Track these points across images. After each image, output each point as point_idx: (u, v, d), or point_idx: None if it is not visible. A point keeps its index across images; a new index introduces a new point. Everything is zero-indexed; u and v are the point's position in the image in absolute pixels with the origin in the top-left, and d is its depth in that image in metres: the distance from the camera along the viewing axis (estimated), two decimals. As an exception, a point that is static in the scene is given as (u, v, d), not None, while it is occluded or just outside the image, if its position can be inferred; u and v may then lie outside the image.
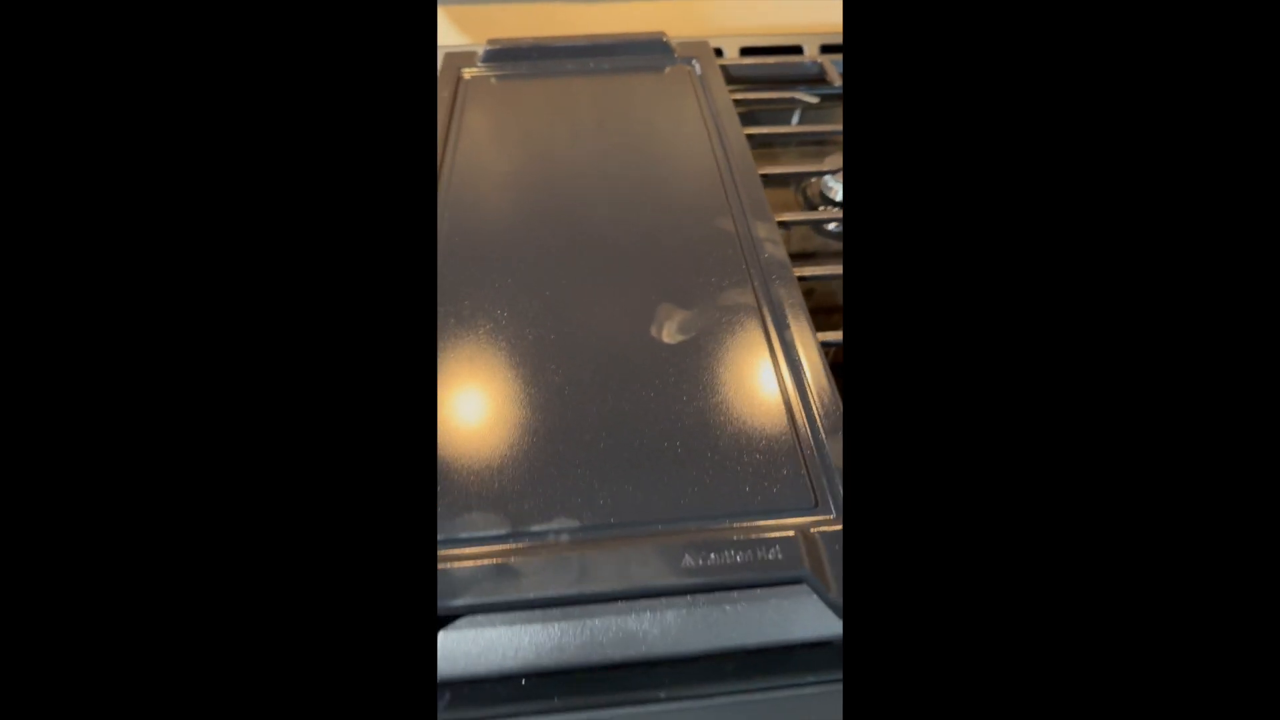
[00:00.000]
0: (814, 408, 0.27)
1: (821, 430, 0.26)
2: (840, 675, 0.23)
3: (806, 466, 0.25)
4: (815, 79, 0.54)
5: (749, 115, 0.52)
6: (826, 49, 0.56)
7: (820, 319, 0.37)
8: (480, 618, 0.23)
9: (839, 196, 0.44)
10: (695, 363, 0.28)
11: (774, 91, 0.52)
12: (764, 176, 0.40)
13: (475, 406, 0.27)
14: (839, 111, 0.52)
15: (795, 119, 0.52)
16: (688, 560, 0.22)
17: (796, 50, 0.56)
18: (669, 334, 0.30)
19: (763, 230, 0.34)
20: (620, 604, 0.23)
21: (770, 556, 0.22)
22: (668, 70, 0.48)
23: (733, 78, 0.53)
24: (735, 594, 0.23)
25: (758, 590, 0.23)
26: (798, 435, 0.26)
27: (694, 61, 0.48)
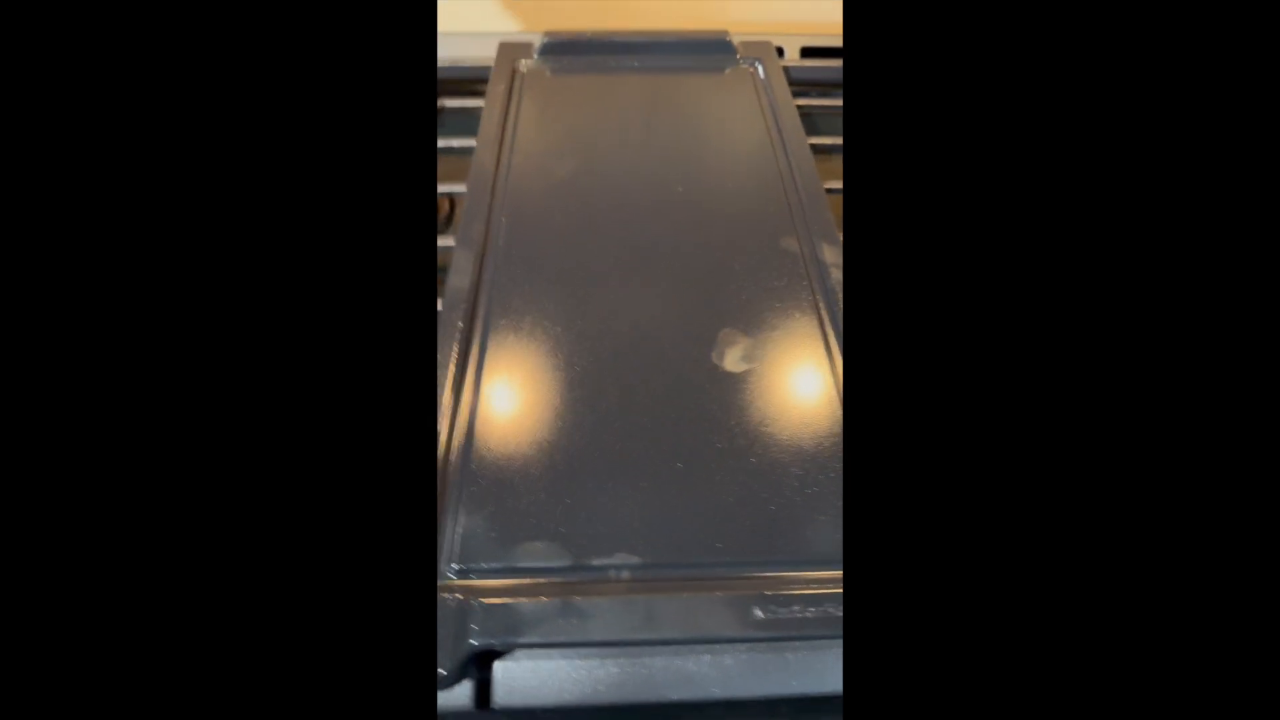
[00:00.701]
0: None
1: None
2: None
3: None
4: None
5: (807, 121, 0.51)
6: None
7: None
8: (538, 649, 0.23)
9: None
10: (757, 394, 0.28)
11: (835, 99, 0.50)
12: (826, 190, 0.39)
13: (531, 426, 0.27)
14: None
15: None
16: (757, 613, 0.22)
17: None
18: (731, 362, 0.29)
19: (830, 254, 0.33)
20: (680, 645, 0.23)
21: (833, 610, 0.21)
22: (728, 71, 0.46)
23: (793, 80, 0.51)
24: (797, 643, 0.23)
25: (819, 639, 0.23)
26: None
27: (757, 63, 0.46)
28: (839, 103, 0.50)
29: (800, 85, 0.52)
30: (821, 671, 0.23)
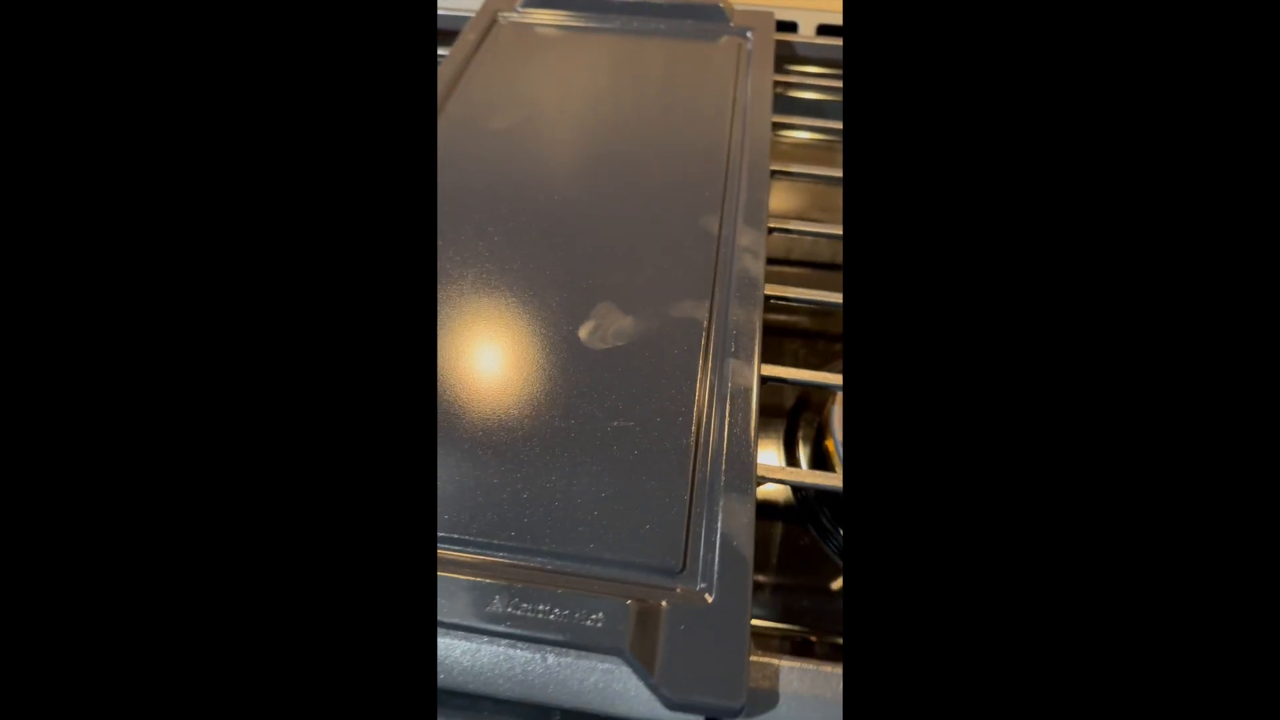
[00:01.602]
0: (722, 458, 0.23)
1: (721, 486, 0.22)
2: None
3: (689, 525, 0.22)
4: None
5: (815, 105, 0.47)
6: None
7: (799, 343, 0.33)
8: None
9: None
10: (614, 377, 0.25)
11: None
12: (822, 180, 0.36)
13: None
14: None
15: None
16: (496, 605, 0.19)
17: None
18: (598, 339, 0.27)
19: (747, 238, 0.30)
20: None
21: (589, 622, 0.19)
22: (722, 40, 0.43)
23: (804, 57, 0.47)
24: (560, 650, 0.20)
25: (552, 644, 0.21)
26: (693, 487, 0.23)
27: (749, 33, 0.43)
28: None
29: (811, 63, 0.48)
30: (581, 688, 0.20)
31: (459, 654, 0.21)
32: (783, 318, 0.34)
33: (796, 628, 0.25)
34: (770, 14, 0.44)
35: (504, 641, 0.20)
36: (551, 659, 0.20)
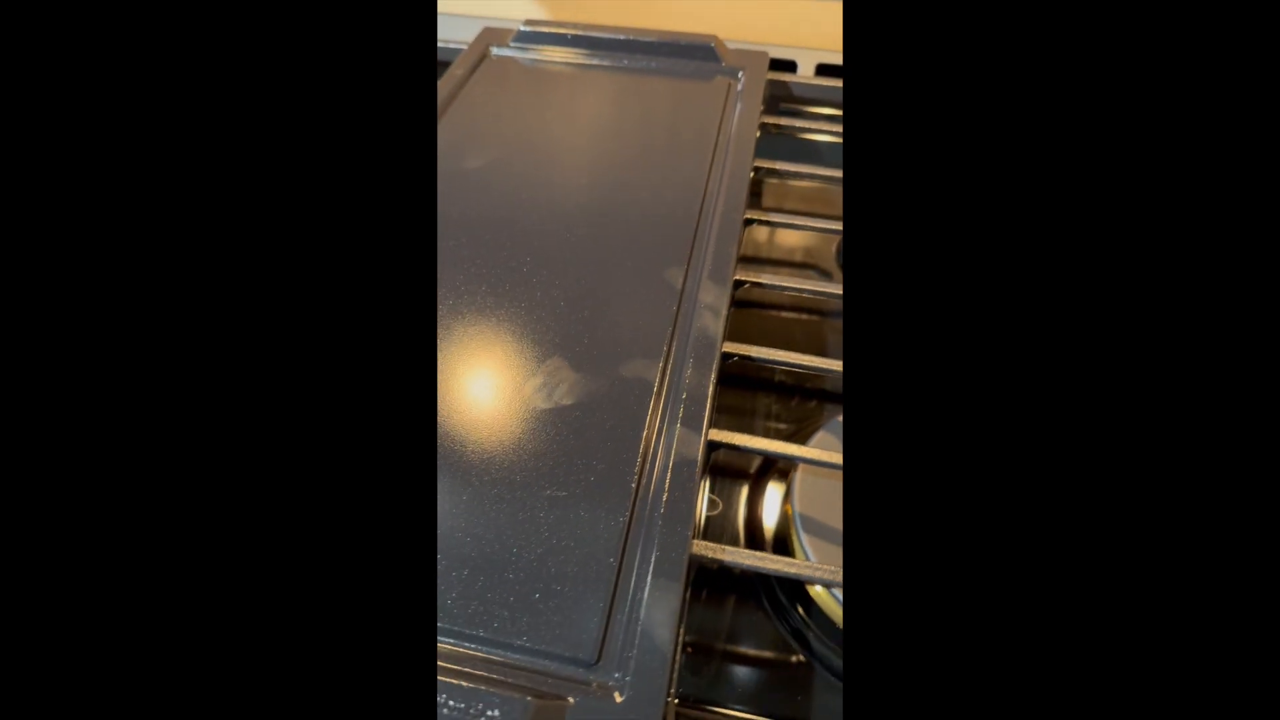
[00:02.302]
0: (655, 539, 0.22)
1: (650, 570, 0.21)
2: None
3: (611, 613, 0.20)
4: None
5: (809, 148, 0.45)
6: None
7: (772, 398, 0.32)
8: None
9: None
10: (556, 439, 0.24)
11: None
12: (805, 228, 0.34)
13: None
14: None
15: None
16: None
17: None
18: (544, 396, 0.26)
19: (710, 295, 0.29)
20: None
21: (487, 716, 0.18)
22: (714, 80, 0.42)
23: (800, 98, 0.46)
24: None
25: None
26: (620, 570, 0.21)
27: (740, 73, 0.42)
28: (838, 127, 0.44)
29: (806, 103, 0.46)
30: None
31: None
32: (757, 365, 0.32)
33: (736, 711, 0.24)
34: (764, 53, 0.43)
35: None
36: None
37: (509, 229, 0.32)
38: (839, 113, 0.45)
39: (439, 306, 0.28)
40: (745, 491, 0.29)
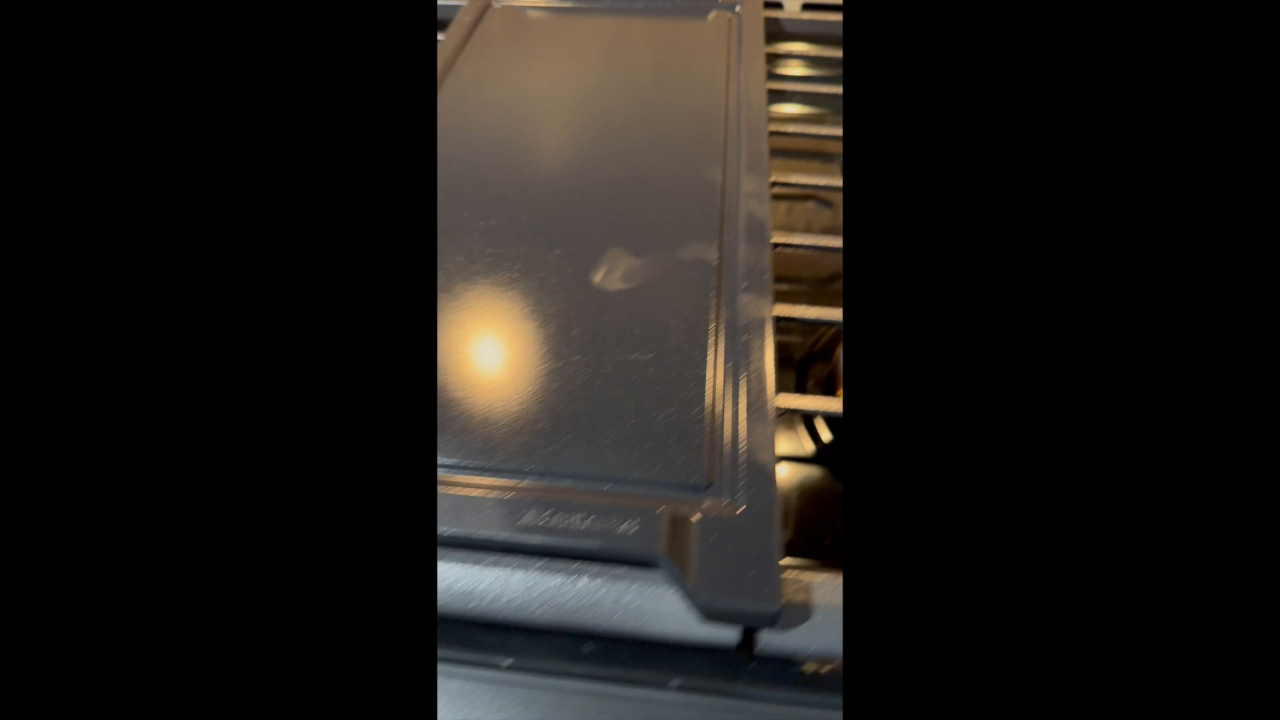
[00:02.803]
0: (741, 383, 0.23)
1: (740, 408, 0.22)
2: (709, 685, 0.20)
3: (711, 445, 0.22)
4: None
5: (805, 76, 0.48)
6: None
7: (807, 291, 0.33)
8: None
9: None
10: (628, 316, 0.26)
11: (836, 50, 0.47)
12: (810, 140, 0.36)
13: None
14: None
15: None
16: (529, 517, 0.19)
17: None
18: (610, 281, 0.27)
19: (750, 184, 0.30)
20: (464, 553, 0.21)
21: (623, 529, 0.19)
22: (711, 16, 0.44)
23: (790, 33, 0.48)
24: (591, 568, 0.20)
25: (619, 568, 0.20)
26: (713, 410, 0.23)
27: (737, 8, 0.44)
28: (832, 53, 0.46)
29: (796, 39, 0.49)
30: (614, 608, 0.20)
31: (489, 582, 0.20)
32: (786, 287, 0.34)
33: (824, 561, 0.25)
34: (757, -7, 0.45)
35: (536, 566, 0.20)
36: (584, 581, 0.20)
37: (544, 155, 0.33)
38: (822, 51, 0.48)
39: (495, 219, 0.29)
40: (792, 382, 0.31)
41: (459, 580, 0.21)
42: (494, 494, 0.20)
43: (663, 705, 0.20)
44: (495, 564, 0.20)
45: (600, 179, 0.31)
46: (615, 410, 0.23)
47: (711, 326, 0.25)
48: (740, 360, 0.24)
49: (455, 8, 0.46)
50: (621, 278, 0.27)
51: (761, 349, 0.24)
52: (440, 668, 0.20)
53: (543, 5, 0.45)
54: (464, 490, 0.20)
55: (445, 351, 0.24)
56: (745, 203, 0.29)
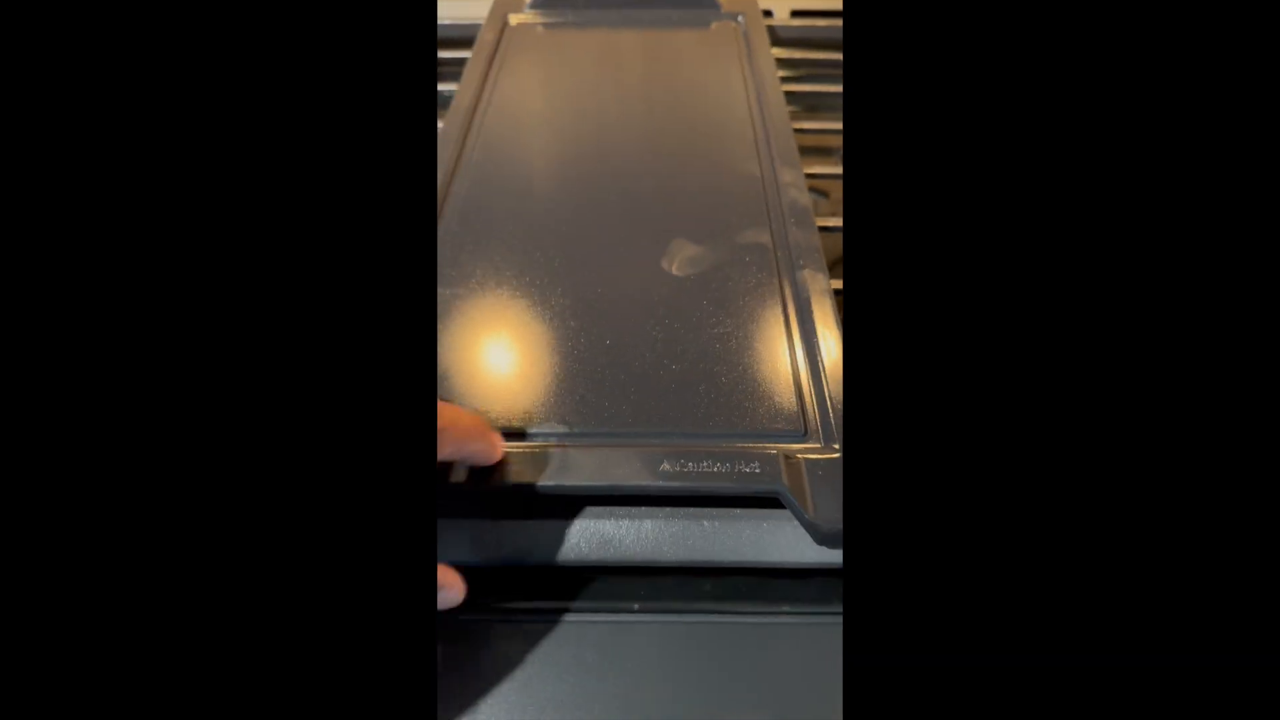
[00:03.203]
0: (817, 344, 0.26)
1: (822, 366, 0.26)
2: (815, 609, 0.23)
3: (801, 398, 0.25)
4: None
5: (796, 77, 0.51)
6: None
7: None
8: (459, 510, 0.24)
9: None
10: (702, 295, 0.29)
11: (822, 52, 0.51)
12: (805, 134, 0.40)
13: (491, 325, 0.28)
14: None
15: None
16: (666, 466, 0.22)
17: (850, 15, 0.55)
18: (679, 267, 0.30)
19: (788, 175, 0.34)
20: (599, 509, 0.23)
21: (748, 469, 0.22)
22: (714, 26, 0.47)
23: (780, 39, 0.52)
24: (713, 511, 0.23)
25: (736, 510, 0.23)
26: (796, 369, 0.26)
27: (740, 17, 0.47)
28: (823, 55, 0.50)
29: (788, 44, 0.53)
30: (738, 541, 0.23)
31: (624, 530, 0.23)
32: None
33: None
34: (755, 0, 0.49)
35: (663, 514, 0.23)
36: (707, 523, 0.23)
37: (590, 161, 0.36)
38: (807, 54, 0.52)
39: (572, 228, 0.32)
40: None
41: (597, 531, 0.23)
42: (631, 451, 0.23)
43: (776, 628, 0.23)
44: (628, 515, 0.23)
45: (651, 178, 0.34)
46: (712, 376, 0.25)
47: (779, 300, 0.28)
48: (809, 326, 0.27)
49: (474, 25, 0.49)
50: (689, 264, 0.30)
51: (826, 315, 0.27)
52: (580, 618, 0.23)
53: (552, 21, 0.48)
54: (604, 449, 0.23)
55: (560, 340, 0.27)
56: (786, 191, 0.33)
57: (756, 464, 0.22)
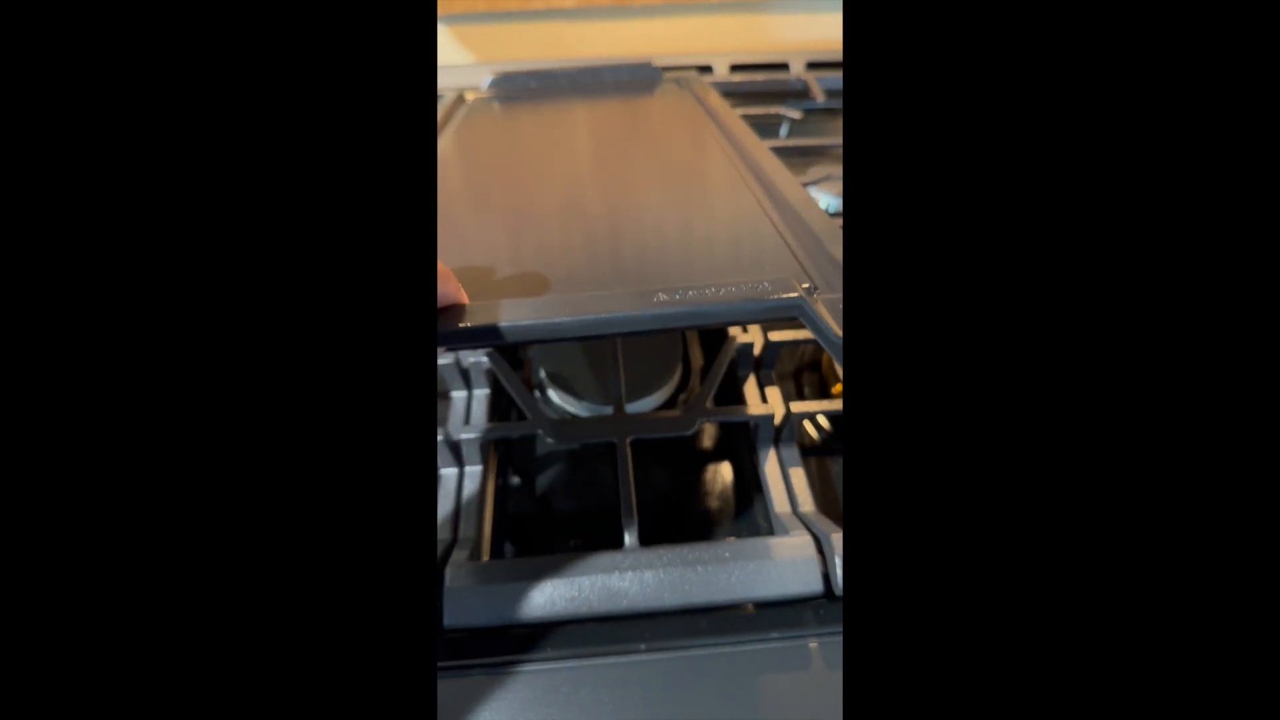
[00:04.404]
0: (805, 224, 0.27)
1: (821, 250, 0.25)
2: (801, 633, 0.26)
3: (806, 270, 0.24)
4: (800, 94, 0.57)
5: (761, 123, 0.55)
6: (812, 65, 0.59)
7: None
8: (476, 575, 0.26)
9: (823, 204, 0.47)
10: (678, 197, 0.30)
11: (761, 107, 0.55)
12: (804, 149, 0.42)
13: (477, 228, 0.29)
14: (824, 125, 0.55)
15: (783, 132, 0.55)
16: (661, 297, 0.21)
17: (783, 67, 0.59)
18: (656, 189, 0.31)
19: (786, 188, 0.33)
20: (604, 560, 0.26)
21: (762, 288, 0.21)
22: (658, 90, 0.51)
23: (721, 93, 0.56)
24: (706, 556, 0.26)
25: (726, 554, 0.26)
26: (792, 247, 0.26)
27: (678, 82, 0.51)
28: (761, 110, 0.54)
29: (728, 97, 0.57)
30: (729, 582, 0.26)
31: (629, 582, 0.25)
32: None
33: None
34: (691, 72, 0.52)
35: (661, 564, 0.25)
36: (701, 568, 0.26)
37: (589, 214, 0.34)
38: (758, 102, 0.56)
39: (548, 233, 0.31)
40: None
41: (604, 585, 0.26)
42: (622, 294, 0.21)
43: (767, 654, 0.26)
44: (631, 568, 0.26)
45: (657, 206, 0.33)
46: (712, 260, 0.25)
47: (750, 195, 0.30)
48: (791, 214, 0.28)
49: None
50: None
51: (805, 202, 0.28)
52: (595, 661, 0.25)
53: (504, 96, 0.50)
54: (597, 295, 0.22)
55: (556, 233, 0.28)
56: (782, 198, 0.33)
57: (767, 283, 0.21)
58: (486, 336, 0.20)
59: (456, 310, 0.21)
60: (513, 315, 0.21)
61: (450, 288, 0.21)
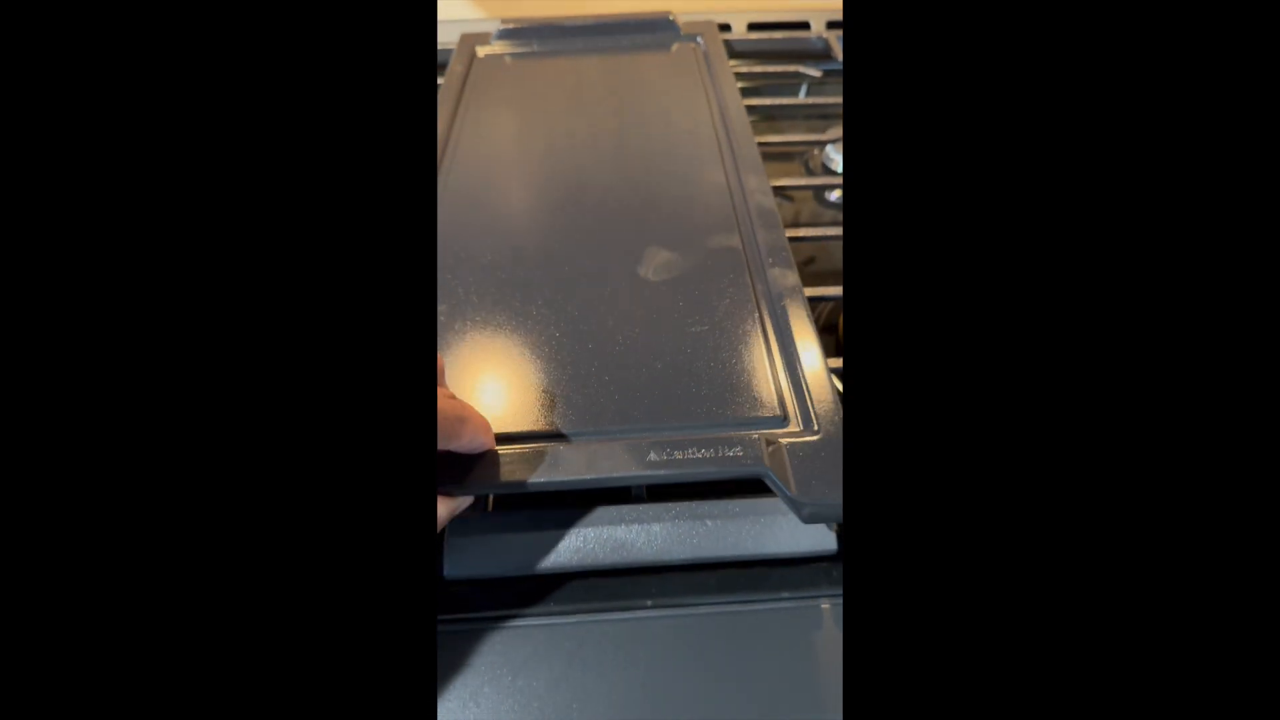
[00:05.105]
0: (790, 334, 0.28)
1: (797, 357, 0.27)
2: (809, 594, 0.25)
3: (779, 388, 0.26)
4: (820, 54, 0.55)
5: (755, 89, 0.54)
6: (832, 25, 0.57)
7: (818, 280, 0.38)
8: (480, 526, 0.25)
9: (838, 167, 0.45)
10: (679, 297, 0.30)
11: (780, 65, 0.53)
12: (767, 147, 0.42)
13: (476, 340, 0.29)
14: (843, 85, 0.53)
15: (802, 92, 0.53)
16: (652, 456, 0.23)
17: (803, 26, 0.57)
18: (654, 273, 0.31)
19: (753, 182, 0.35)
20: (611, 513, 0.25)
21: (732, 453, 0.23)
22: (674, 47, 0.49)
23: (739, 52, 0.54)
24: (715, 509, 0.25)
25: (735, 508, 0.25)
26: (773, 361, 0.27)
27: (699, 38, 0.49)
28: (780, 69, 0.53)
29: (746, 57, 0.55)
30: (738, 538, 0.25)
31: (635, 534, 0.24)
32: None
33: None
34: (711, 21, 0.51)
35: (669, 516, 0.24)
36: (710, 522, 0.24)
37: (562, 179, 0.37)
38: (771, 66, 0.54)
39: (549, 243, 0.33)
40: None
41: (611, 537, 0.24)
42: (618, 445, 0.24)
43: (777, 614, 0.24)
44: (638, 519, 0.25)
45: (623, 191, 0.36)
46: (692, 371, 0.27)
47: (752, 297, 0.30)
48: (782, 320, 0.28)
49: (443, 50, 0.50)
50: (665, 269, 0.32)
51: (800, 309, 0.29)
52: (600, 617, 0.24)
53: (518, 51, 0.49)
54: (593, 445, 0.24)
55: (544, 348, 0.28)
56: (752, 197, 0.35)
57: (740, 448, 0.23)
58: (513, 488, 0.23)
59: (491, 458, 0.24)
60: (526, 472, 0.23)
61: (483, 437, 0.23)
